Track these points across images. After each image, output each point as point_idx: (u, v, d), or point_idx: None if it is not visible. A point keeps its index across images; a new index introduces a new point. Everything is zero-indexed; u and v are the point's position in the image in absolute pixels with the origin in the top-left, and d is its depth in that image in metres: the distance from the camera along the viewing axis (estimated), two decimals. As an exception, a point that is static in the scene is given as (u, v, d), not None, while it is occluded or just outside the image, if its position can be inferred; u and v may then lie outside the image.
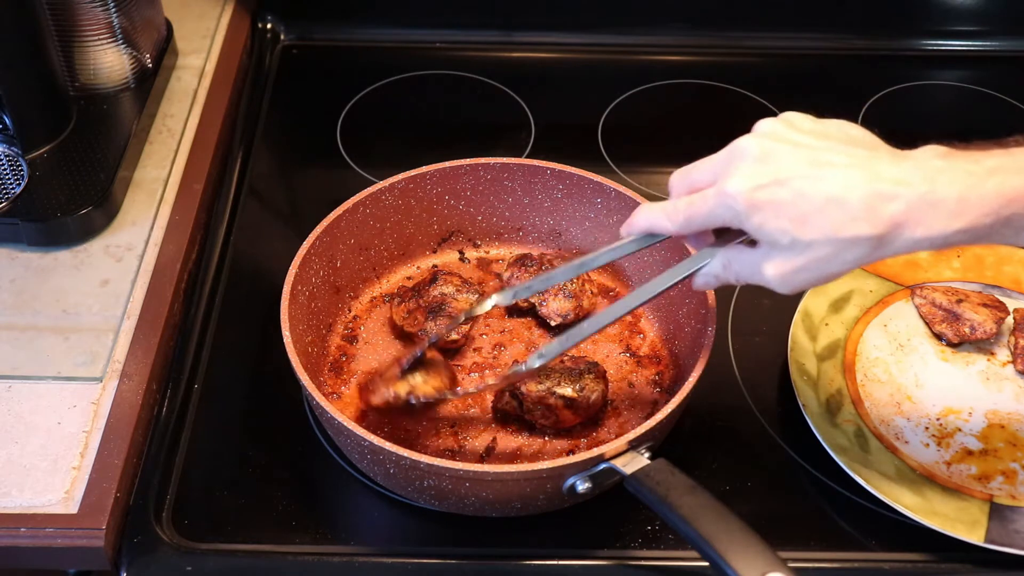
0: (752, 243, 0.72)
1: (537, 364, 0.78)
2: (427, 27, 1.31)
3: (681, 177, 0.74)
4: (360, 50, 1.30)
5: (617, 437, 0.78)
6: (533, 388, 0.85)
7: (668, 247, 0.94)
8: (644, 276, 0.98)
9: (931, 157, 0.68)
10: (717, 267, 0.75)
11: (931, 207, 0.66)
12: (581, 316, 0.95)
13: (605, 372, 0.89)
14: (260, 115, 1.20)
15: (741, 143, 0.70)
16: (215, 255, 1.03)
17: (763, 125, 0.71)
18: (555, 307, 0.94)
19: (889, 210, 0.66)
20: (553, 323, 0.95)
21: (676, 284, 0.77)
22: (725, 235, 0.75)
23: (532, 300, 0.95)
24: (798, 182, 0.67)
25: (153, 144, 1.10)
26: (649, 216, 0.75)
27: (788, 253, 0.69)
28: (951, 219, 0.66)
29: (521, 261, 0.97)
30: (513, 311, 0.97)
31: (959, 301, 0.96)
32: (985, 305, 0.96)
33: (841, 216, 0.66)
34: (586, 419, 0.88)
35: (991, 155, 0.68)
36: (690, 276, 0.77)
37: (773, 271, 0.70)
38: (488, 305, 0.81)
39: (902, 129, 1.20)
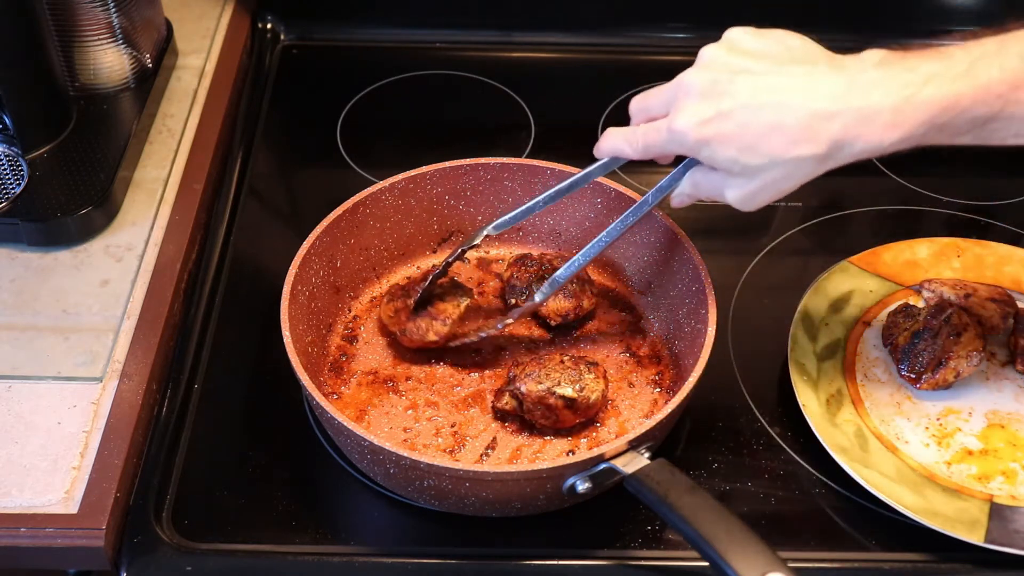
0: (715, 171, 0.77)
1: (549, 291, 0.89)
2: (427, 27, 1.31)
3: (639, 104, 0.80)
4: (360, 50, 1.30)
5: (617, 437, 0.78)
6: (533, 388, 0.85)
7: (668, 247, 0.94)
8: (645, 276, 0.98)
9: (868, 67, 0.71)
10: (687, 187, 0.81)
11: (867, 121, 0.70)
12: (581, 316, 0.95)
13: (605, 372, 0.89)
14: (260, 115, 1.20)
15: (686, 78, 0.75)
16: (215, 255, 1.03)
17: (706, 53, 0.76)
18: (555, 307, 0.94)
19: (828, 130, 0.70)
20: (553, 323, 0.95)
21: (654, 204, 0.87)
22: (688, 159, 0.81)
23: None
24: (740, 113, 0.72)
25: (153, 144, 1.10)
26: (613, 141, 0.82)
27: (742, 178, 0.75)
28: (887, 130, 0.70)
29: (521, 261, 0.97)
30: (513, 311, 0.97)
31: (967, 295, 0.96)
32: (993, 300, 0.96)
33: (783, 141, 0.71)
34: (586, 419, 0.88)
35: (928, 60, 0.71)
36: (666, 197, 0.84)
37: (733, 195, 0.77)
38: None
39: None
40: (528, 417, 0.87)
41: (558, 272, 0.89)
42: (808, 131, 0.71)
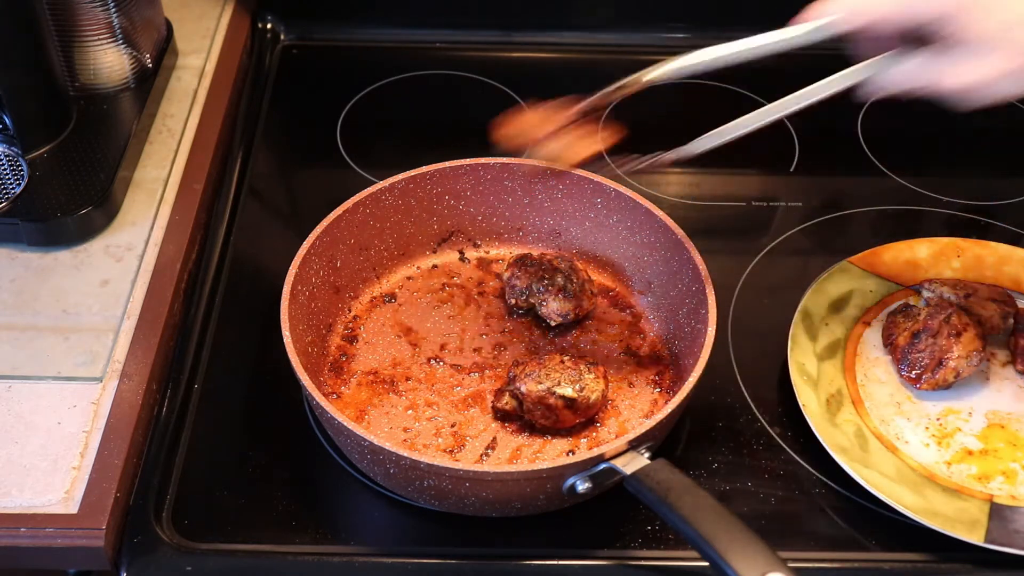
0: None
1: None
2: (427, 27, 1.31)
3: None
4: (360, 50, 1.30)
5: (617, 437, 0.78)
6: (533, 388, 0.85)
7: (668, 247, 0.94)
8: (645, 276, 0.98)
9: None
10: (897, 75, 0.71)
11: None
12: (581, 316, 0.95)
13: (606, 372, 0.89)
14: (260, 115, 1.20)
15: None
16: (215, 255, 1.03)
17: None
18: (555, 307, 0.94)
19: None
20: (553, 323, 0.95)
21: (852, 86, 0.75)
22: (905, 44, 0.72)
23: (532, 300, 0.95)
24: None
25: (153, 144, 1.10)
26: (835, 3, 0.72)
27: (993, 56, 0.66)
28: None
29: (521, 261, 0.97)
30: (513, 311, 0.97)
31: (967, 295, 0.96)
32: (993, 300, 0.96)
33: None
34: (586, 419, 0.88)
35: None
36: (861, 83, 0.74)
37: (975, 75, 0.67)
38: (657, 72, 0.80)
39: (903, 129, 1.21)
40: (528, 417, 0.87)
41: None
42: None
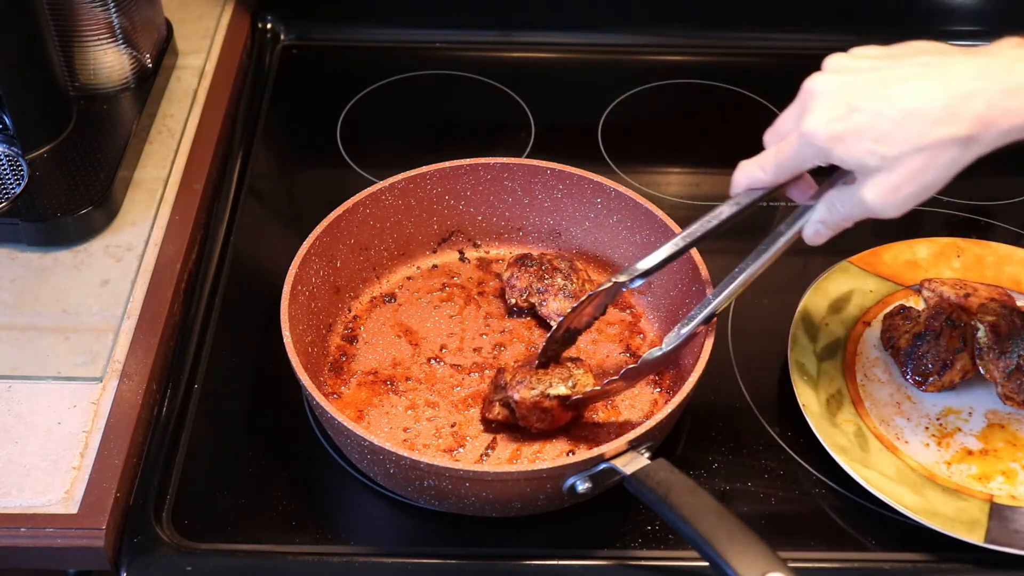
0: (853, 183, 0.73)
1: (670, 346, 0.83)
2: (427, 27, 1.31)
3: (770, 133, 0.77)
4: (360, 50, 1.30)
5: (617, 437, 0.78)
6: (527, 395, 0.85)
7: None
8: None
9: (1004, 49, 0.68)
10: (822, 212, 0.76)
11: (1014, 95, 0.66)
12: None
13: (590, 367, 0.89)
14: (260, 115, 1.20)
15: (810, 83, 0.72)
16: (215, 255, 1.03)
17: (831, 60, 0.73)
18: (555, 307, 0.94)
19: (970, 108, 0.66)
20: (553, 322, 0.95)
21: (788, 242, 0.80)
22: (824, 183, 0.77)
23: (532, 300, 0.95)
24: (872, 103, 0.68)
25: (153, 144, 1.10)
26: (746, 171, 0.78)
27: (881, 174, 0.70)
28: None
29: (521, 261, 0.97)
30: (513, 311, 0.97)
31: (967, 295, 0.96)
32: (993, 300, 0.96)
33: (922, 124, 0.67)
34: (580, 414, 0.87)
35: None
36: (799, 232, 0.79)
37: (873, 195, 0.71)
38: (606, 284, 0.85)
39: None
40: (523, 424, 0.86)
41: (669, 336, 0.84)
42: (948, 111, 0.66)
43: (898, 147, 0.68)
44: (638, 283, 0.85)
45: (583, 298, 0.86)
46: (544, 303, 0.95)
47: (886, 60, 0.70)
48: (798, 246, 1.01)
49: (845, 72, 0.71)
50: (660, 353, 0.83)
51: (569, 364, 0.87)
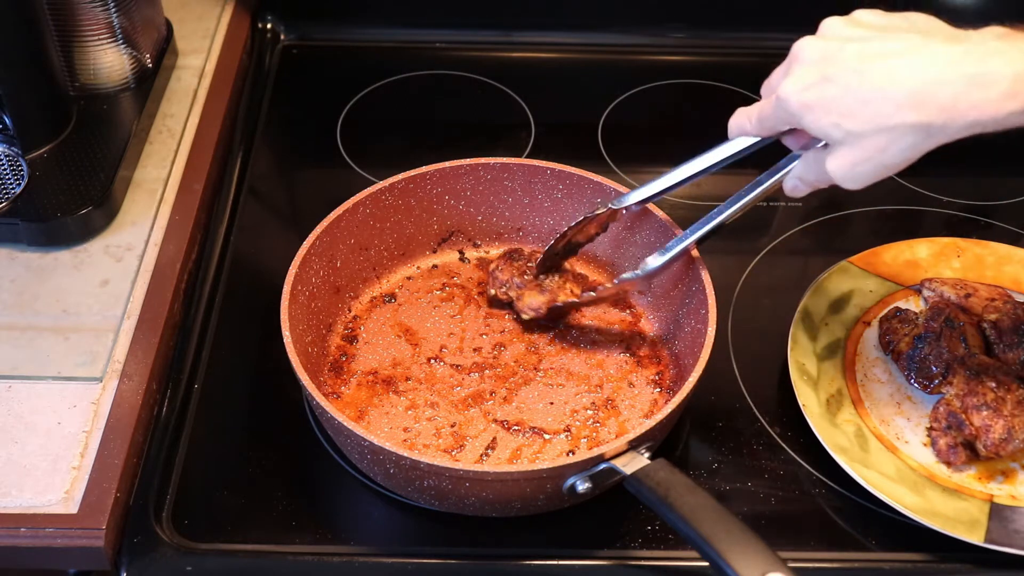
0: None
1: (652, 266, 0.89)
2: (427, 27, 1.31)
3: (765, 85, 0.78)
4: (360, 50, 1.30)
5: (617, 437, 0.78)
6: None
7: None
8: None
9: (988, 38, 0.68)
10: (800, 168, 0.79)
11: (982, 88, 0.66)
12: (556, 311, 0.95)
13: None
14: (260, 115, 1.20)
15: (798, 45, 0.73)
16: (215, 255, 1.03)
17: (825, 24, 0.74)
18: (530, 303, 0.94)
19: (937, 96, 0.67)
20: (525, 316, 0.94)
21: (769, 186, 0.84)
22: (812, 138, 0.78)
23: (511, 294, 0.95)
24: (845, 76, 0.69)
25: (153, 144, 1.10)
26: (736, 119, 0.80)
27: (844, 147, 0.71)
28: (1004, 100, 0.66)
29: (509, 255, 0.97)
30: (493, 303, 0.97)
31: (967, 295, 0.96)
32: (993, 300, 0.96)
33: (888, 106, 0.68)
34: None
35: None
36: (781, 180, 0.82)
37: (833, 166, 0.73)
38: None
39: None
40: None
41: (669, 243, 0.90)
42: (915, 97, 0.67)
43: (861, 124, 0.69)
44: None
45: (580, 218, 0.93)
46: (520, 297, 0.95)
47: (876, 31, 0.71)
48: (797, 245, 1.01)
49: (832, 40, 0.72)
50: (633, 276, 0.90)
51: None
